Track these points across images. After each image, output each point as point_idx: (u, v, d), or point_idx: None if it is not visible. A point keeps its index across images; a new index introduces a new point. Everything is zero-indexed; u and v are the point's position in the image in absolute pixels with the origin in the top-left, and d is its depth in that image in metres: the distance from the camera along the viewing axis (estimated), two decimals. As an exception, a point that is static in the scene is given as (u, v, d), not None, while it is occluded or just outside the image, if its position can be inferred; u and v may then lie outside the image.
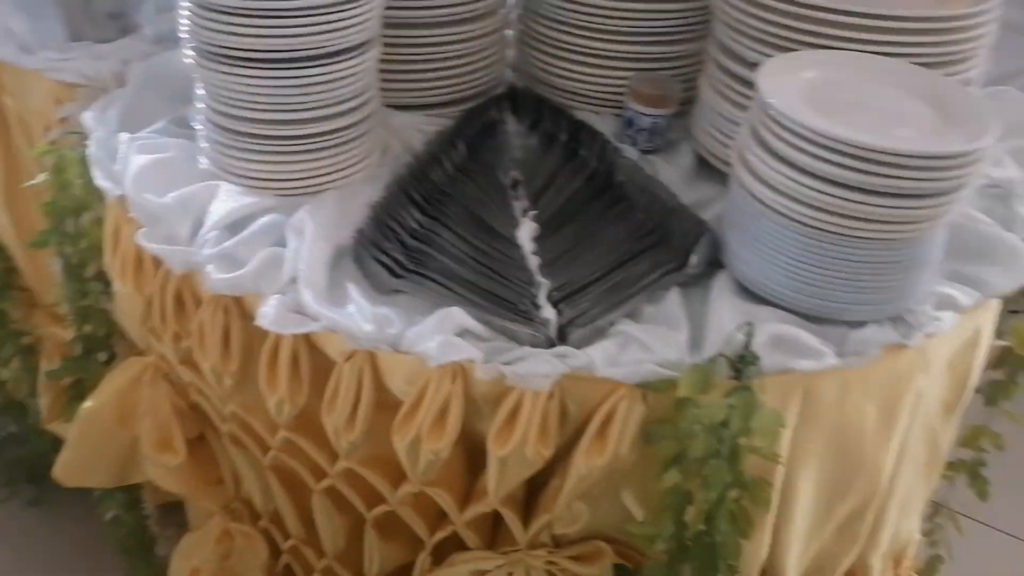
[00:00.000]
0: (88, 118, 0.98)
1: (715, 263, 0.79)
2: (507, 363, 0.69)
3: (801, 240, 0.71)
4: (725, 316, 0.72)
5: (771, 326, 0.70)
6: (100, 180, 0.89)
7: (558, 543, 0.79)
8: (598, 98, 1.01)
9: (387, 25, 0.88)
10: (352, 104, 0.85)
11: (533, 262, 0.81)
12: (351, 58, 0.83)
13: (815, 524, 0.82)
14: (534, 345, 0.70)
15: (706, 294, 0.77)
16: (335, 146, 0.86)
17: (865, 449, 0.78)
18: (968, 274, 0.80)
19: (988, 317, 0.83)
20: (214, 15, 0.79)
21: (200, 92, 0.87)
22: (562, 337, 0.72)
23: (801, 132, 0.68)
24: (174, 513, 1.19)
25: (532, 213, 0.87)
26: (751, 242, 0.74)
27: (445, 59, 0.98)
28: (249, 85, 0.82)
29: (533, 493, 0.78)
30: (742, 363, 0.66)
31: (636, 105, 0.95)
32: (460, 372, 0.69)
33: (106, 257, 0.89)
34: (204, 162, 0.89)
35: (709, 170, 0.92)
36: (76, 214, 1.00)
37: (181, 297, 0.81)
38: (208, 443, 0.99)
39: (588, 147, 0.95)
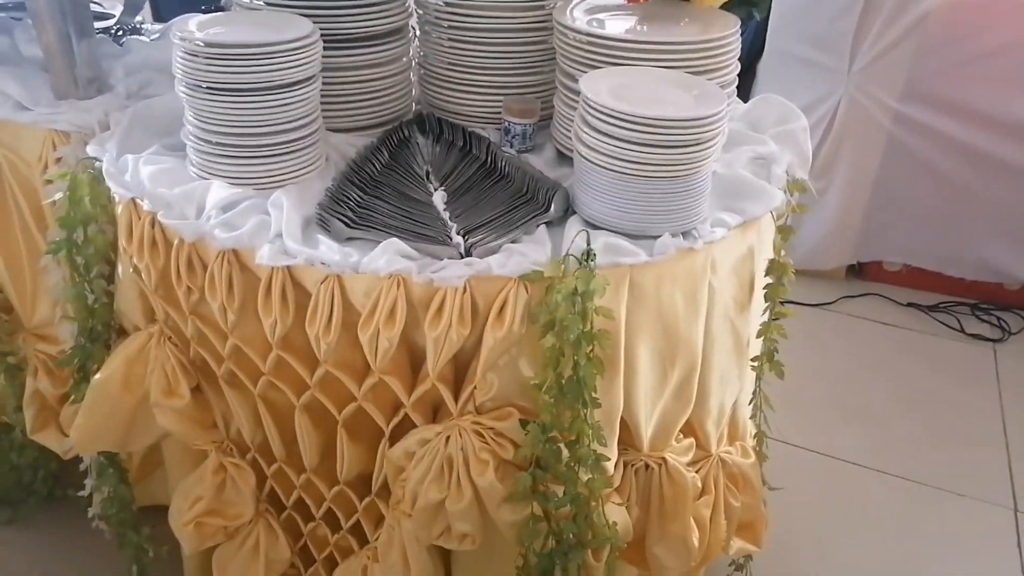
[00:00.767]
0: (92, 149, 1.27)
1: (568, 212, 1.16)
2: (433, 272, 1.02)
3: (617, 184, 1.08)
4: (573, 236, 1.08)
5: (603, 237, 1.07)
6: (115, 188, 1.18)
7: (480, 412, 1.11)
8: (482, 116, 1.36)
9: (324, 69, 1.23)
10: (305, 120, 1.18)
11: (446, 215, 1.16)
12: (302, 88, 1.16)
13: (655, 387, 1.17)
14: (450, 259, 1.04)
15: (562, 229, 1.13)
16: (295, 152, 1.18)
17: (680, 327, 1.14)
18: (735, 207, 1.19)
19: (756, 237, 1.22)
20: (198, 58, 1.11)
21: (189, 117, 1.18)
22: (468, 255, 1.06)
23: (609, 112, 1.06)
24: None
25: (442, 188, 1.22)
26: (587, 189, 1.11)
27: (368, 91, 1.33)
28: (228, 109, 1.13)
29: (459, 375, 1.10)
30: (584, 257, 1.01)
31: (510, 118, 1.32)
32: (401, 280, 1.02)
33: (122, 243, 1.17)
34: (194, 171, 1.20)
35: (564, 159, 1.29)
36: (85, 225, 1.28)
37: (191, 261, 1.10)
38: (203, 394, 1.27)
39: (478, 148, 1.31)
